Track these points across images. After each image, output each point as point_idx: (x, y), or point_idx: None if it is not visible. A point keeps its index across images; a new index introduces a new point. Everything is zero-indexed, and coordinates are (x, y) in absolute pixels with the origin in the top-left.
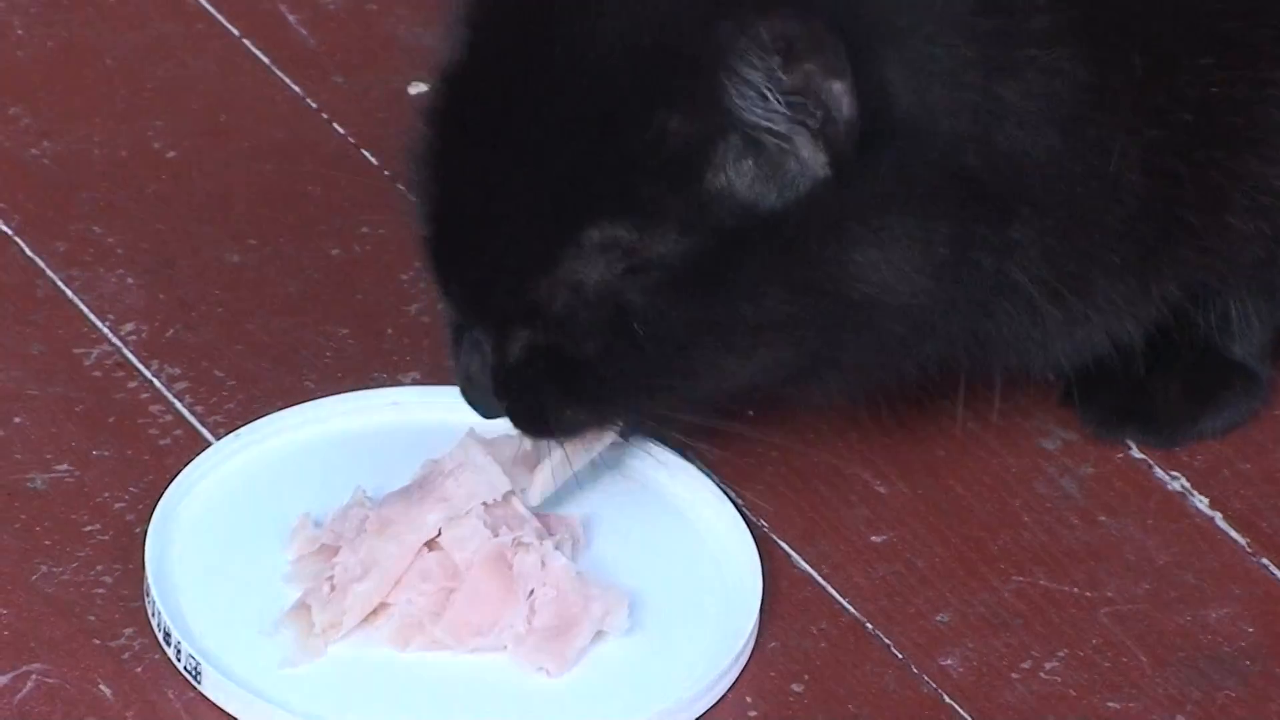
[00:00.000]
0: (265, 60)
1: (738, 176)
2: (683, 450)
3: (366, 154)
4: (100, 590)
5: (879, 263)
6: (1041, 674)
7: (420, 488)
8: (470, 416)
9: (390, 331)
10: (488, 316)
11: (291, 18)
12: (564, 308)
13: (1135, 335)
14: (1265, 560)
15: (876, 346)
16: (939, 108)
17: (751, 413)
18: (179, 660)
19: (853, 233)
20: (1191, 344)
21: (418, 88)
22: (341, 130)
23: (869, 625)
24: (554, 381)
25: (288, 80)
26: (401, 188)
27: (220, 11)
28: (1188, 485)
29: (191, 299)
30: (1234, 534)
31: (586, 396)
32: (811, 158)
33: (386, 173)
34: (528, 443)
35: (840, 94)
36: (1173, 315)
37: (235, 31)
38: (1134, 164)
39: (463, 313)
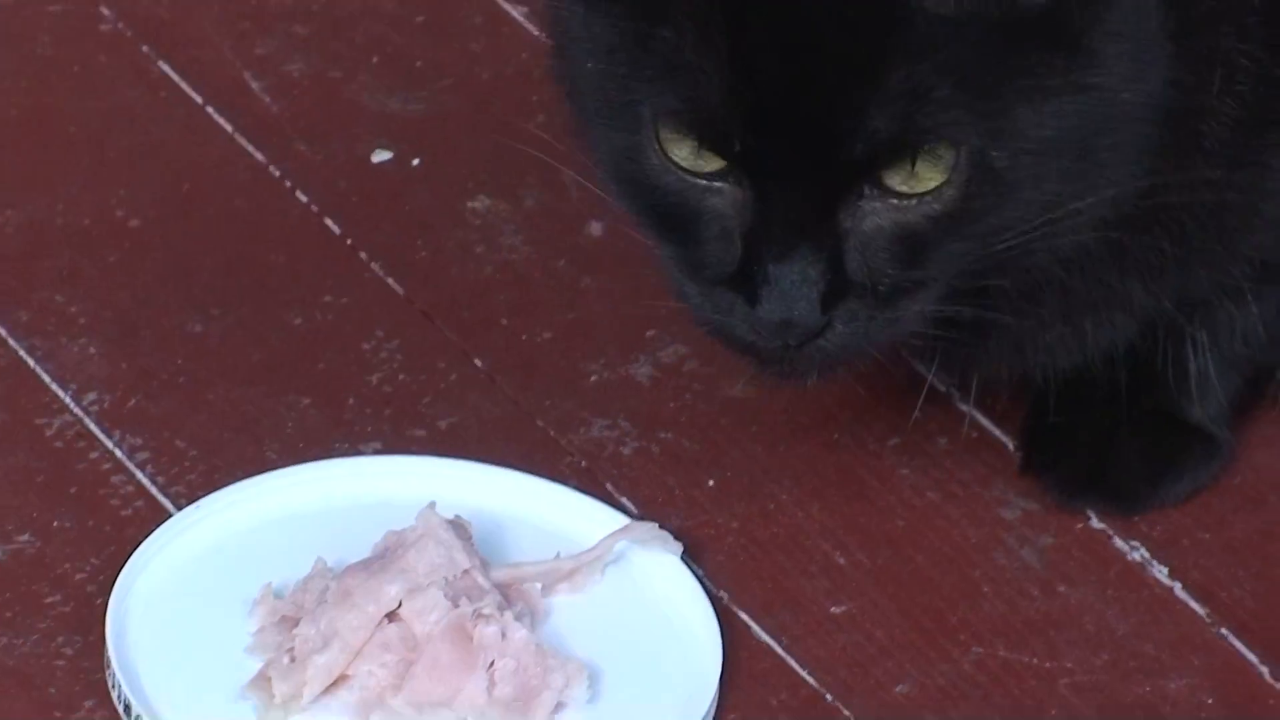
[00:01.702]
0: (228, 128)
1: None
2: (644, 520)
3: (329, 222)
4: (61, 662)
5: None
6: None
7: (381, 559)
8: (432, 489)
9: (352, 401)
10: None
11: (255, 85)
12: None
13: (1124, 341)
14: (1224, 630)
15: (1121, 167)
16: None
17: (712, 483)
18: None
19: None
20: (1151, 408)
21: (380, 156)
22: (304, 199)
23: (829, 696)
24: (900, 254)
25: (251, 148)
26: (364, 256)
27: (184, 79)
28: (1147, 555)
29: (154, 368)
30: (1193, 604)
31: (931, 267)
32: None
33: (349, 241)
34: None
35: None
36: (1131, 377)
37: (198, 99)
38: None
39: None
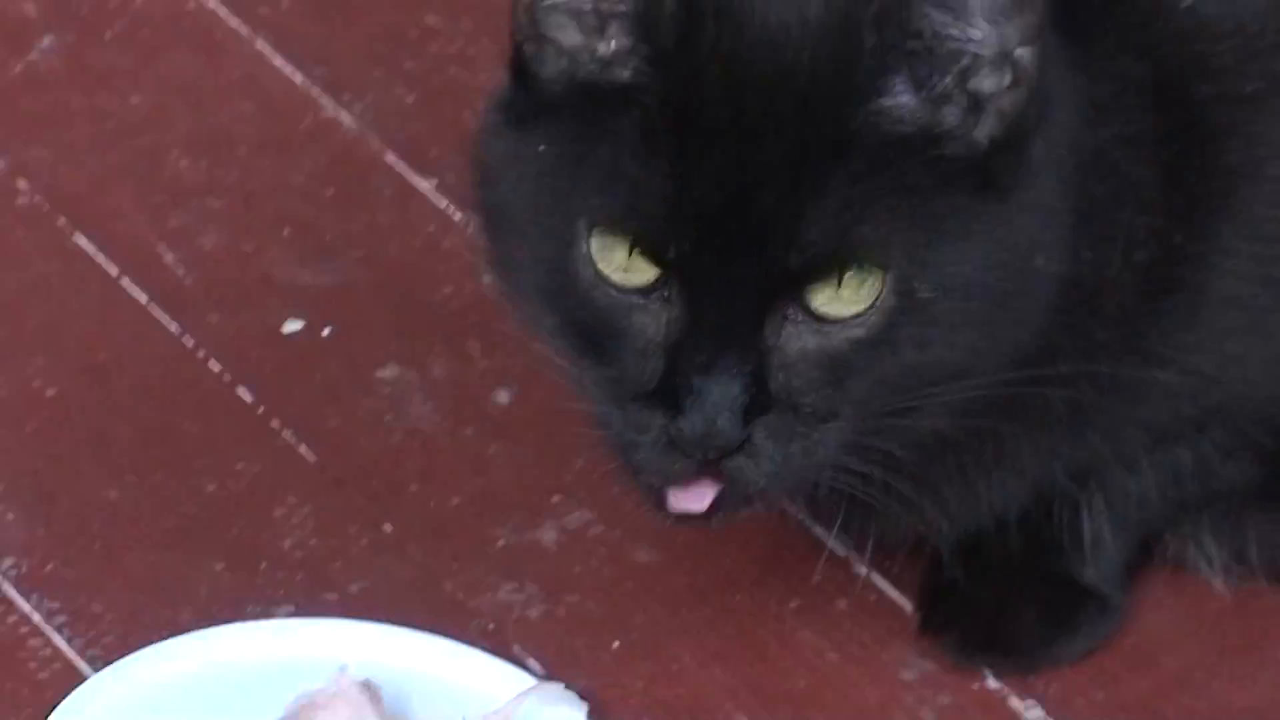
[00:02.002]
0: (143, 299)
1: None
2: (550, 681)
3: (242, 391)
4: None
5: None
6: None
7: None
8: (344, 651)
9: (265, 565)
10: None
11: (169, 257)
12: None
13: (1018, 506)
14: None
15: (1029, 327)
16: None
17: (617, 644)
18: None
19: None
20: (1045, 570)
21: (291, 326)
22: (217, 368)
23: None
24: (821, 376)
25: (165, 319)
26: (276, 424)
27: (100, 252)
28: (1043, 713)
29: (71, 534)
30: None
31: (851, 393)
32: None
33: (261, 410)
34: None
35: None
36: (1025, 538)
37: (114, 271)
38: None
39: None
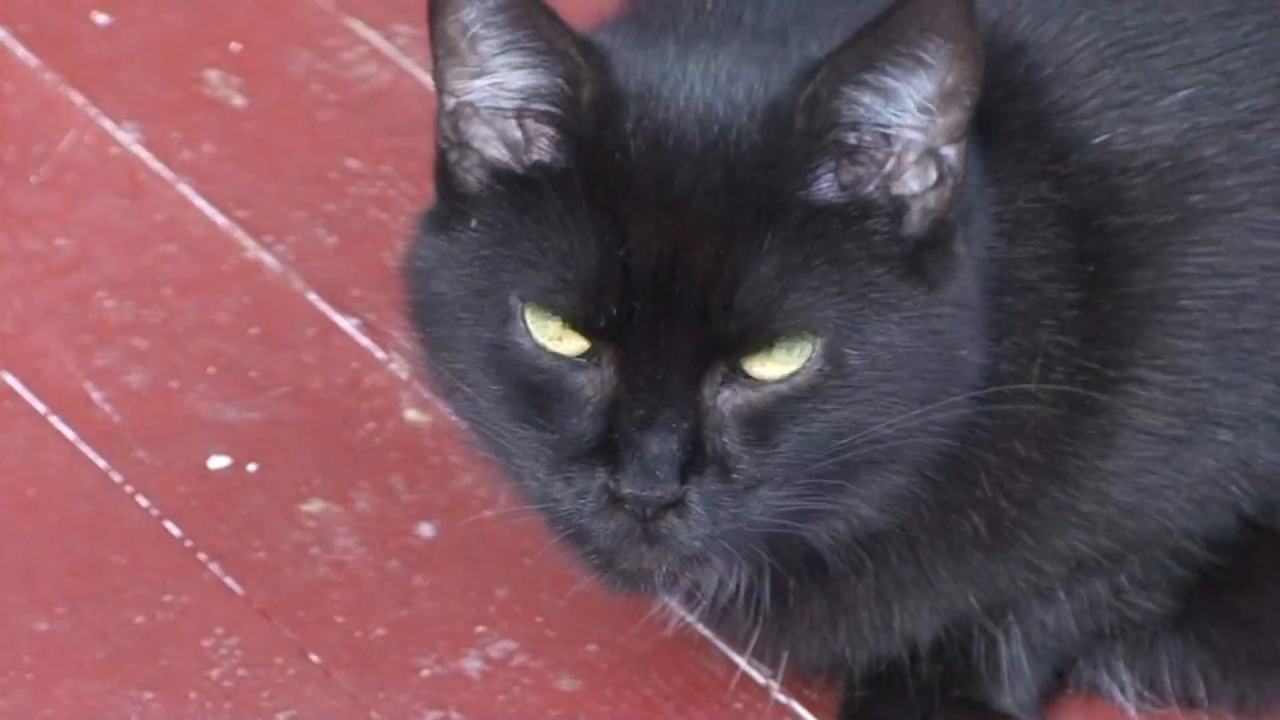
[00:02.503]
0: (70, 436)
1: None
2: None
3: (169, 525)
4: None
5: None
6: None
7: None
8: None
9: (193, 695)
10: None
11: (95, 395)
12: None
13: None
14: None
15: (940, 415)
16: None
17: None
18: None
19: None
20: (961, 697)
21: (218, 462)
22: (145, 503)
23: None
24: (753, 435)
25: (92, 455)
26: (203, 557)
27: (27, 390)
28: None
29: (2, 665)
30: None
31: (780, 453)
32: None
33: (188, 544)
34: None
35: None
36: (943, 665)
37: (42, 409)
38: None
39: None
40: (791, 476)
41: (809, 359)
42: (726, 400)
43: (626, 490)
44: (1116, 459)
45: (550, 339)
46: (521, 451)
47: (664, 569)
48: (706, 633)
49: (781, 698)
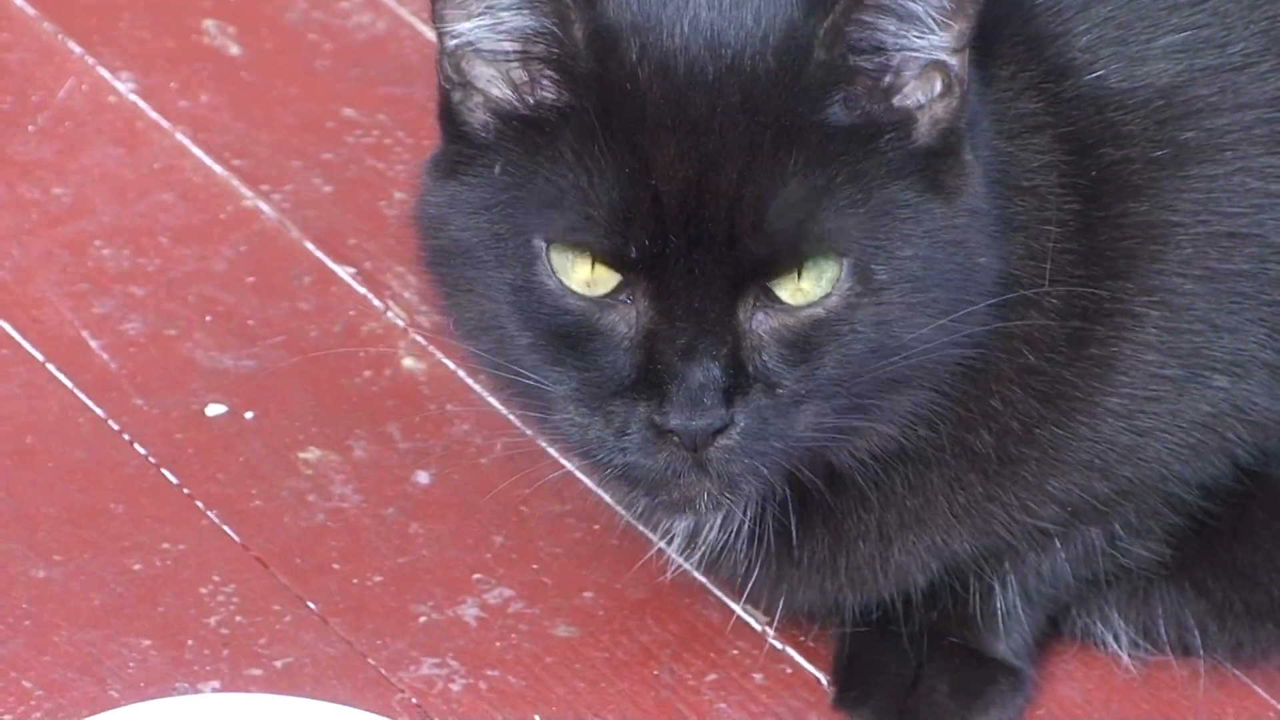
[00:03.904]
0: (69, 384)
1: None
2: None
3: (166, 473)
4: None
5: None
6: None
7: None
8: None
9: (191, 642)
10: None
11: (94, 343)
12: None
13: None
14: None
15: (963, 324)
16: None
17: (538, 717)
18: None
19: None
20: (956, 643)
21: (215, 409)
22: (142, 450)
23: None
24: (792, 356)
25: (90, 403)
26: (200, 505)
27: (25, 338)
28: None
29: (0, 613)
30: None
31: (820, 372)
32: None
33: (186, 491)
34: None
35: None
36: (937, 612)
37: (39, 357)
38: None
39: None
40: (833, 394)
41: (838, 280)
42: (762, 323)
43: (674, 422)
44: (1112, 396)
45: (578, 280)
46: (556, 393)
47: (710, 494)
48: (703, 580)
49: (777, 644)
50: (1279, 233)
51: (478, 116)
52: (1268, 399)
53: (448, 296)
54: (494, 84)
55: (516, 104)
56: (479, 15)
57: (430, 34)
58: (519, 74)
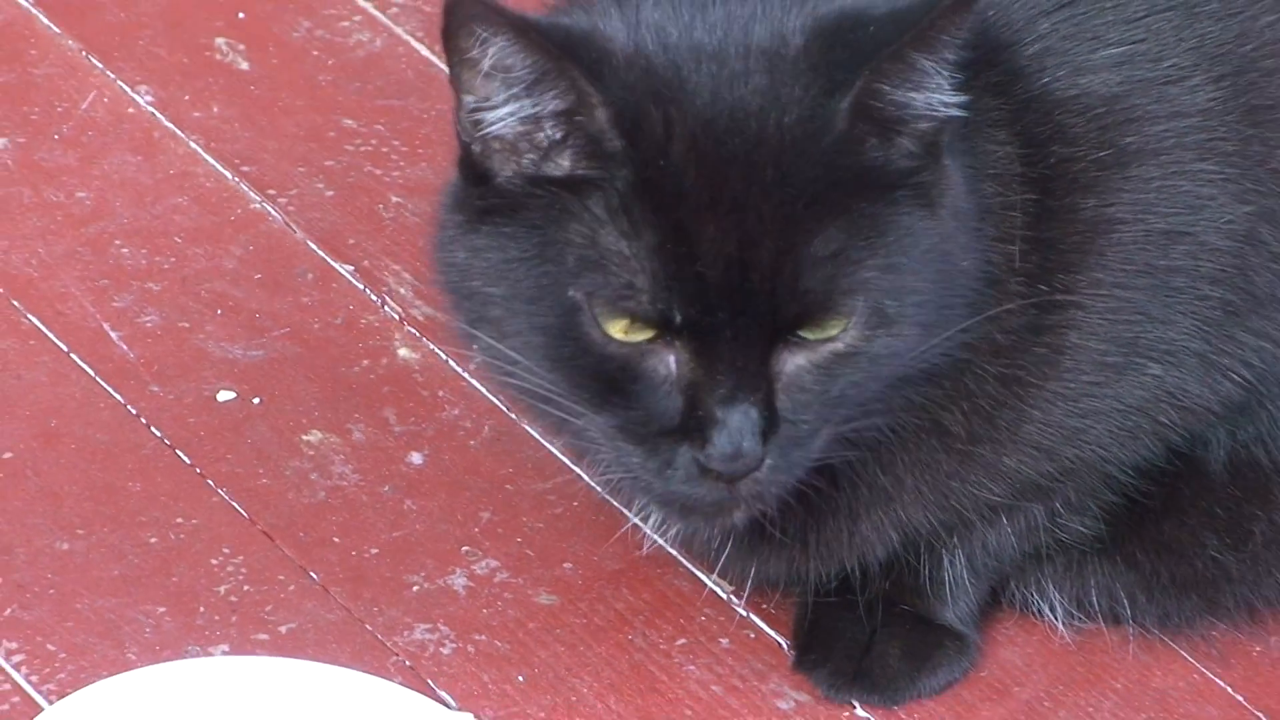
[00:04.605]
0: (90, 372)
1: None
2: (462, 712)
3: (179, 454)
4: None
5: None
6: None
7: None
8: (274, 686)
9: (202, 609)
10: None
11: (113, 335)
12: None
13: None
14: None
15: (955, 323)
16: None
17: (521, 678)
18: None
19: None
20: (907, 611)
21: (225, 396)
22: (158, 433)
23: None
24: (815, 390)
25: (110, 389)
26: (211, 483)
27: (50, 330)
28: None
29: (27, 582)
30: None
31: (838, 402)
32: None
33: (198, 470)
34: None
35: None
36: (890, 582)
37: (64, 347)
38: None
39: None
40: (847, 416)
41: (855, 315)
42: (790, 364)
43: (717, 464)
44: (1061, 381)
45: (618, 330)
46: (597, 428)
47: (741, 511)
48: (674, 552)
49: (742, 611)
50: (1209, 233)
51: (501, 170)
52: (1197, 386)
53: (472, 336)
54: (517, 152)
55: (543, 169)
56: (499, 92)
57: (424, 50)
58: (544, 144)
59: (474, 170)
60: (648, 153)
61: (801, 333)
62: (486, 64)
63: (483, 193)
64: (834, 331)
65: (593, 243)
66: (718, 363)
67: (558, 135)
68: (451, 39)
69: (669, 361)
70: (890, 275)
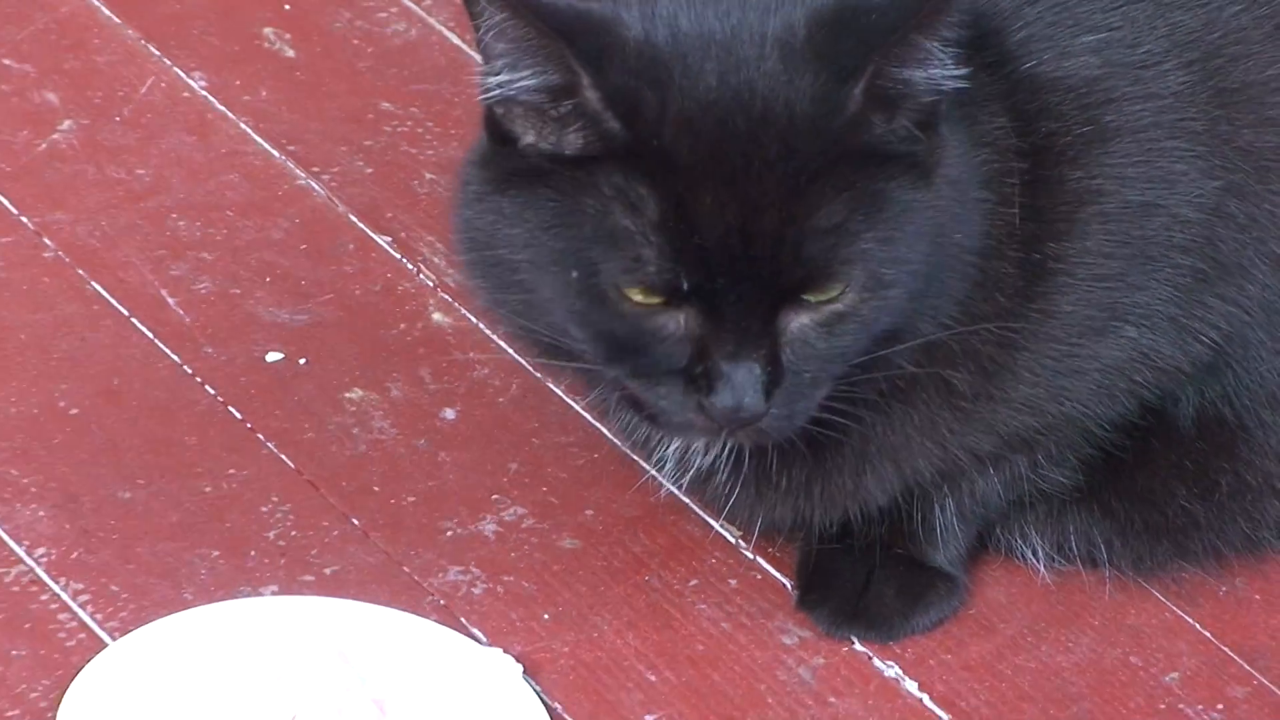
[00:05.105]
0: (149, 335)
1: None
2: (491, 647)
3: (232, 410)
4: None
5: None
6: None
7: (279, 680)
8: (319, 623)
9: (253, 553)
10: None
11: (170, 300)
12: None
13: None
14: None
15: (953, 293)
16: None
17: (546, 616)
18: None
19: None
20: (901, 554)
21: (273, 356)
22: (212, 391)
23: None
24: (817, 346)
25: (167, 351)
26: (261, 437)
27: (112, 296)
28: (900, 672)
29: (92, 528)
30: (938, 711)
31: (838, 357)
32: None
33: (248, 425)
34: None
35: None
36: (886, 528)
37: (125, 311)
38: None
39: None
40: (846, 371)
41: (852, 280)
42: (793, 323)
43: (719, 413)
44: (1050, 343)
45: (635, 295)
46: (611, 374)
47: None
48: (687, 500)
49: (749, 555)
50: (1182, 205)
51: (523, 136)
52: (1169, 348)
53: (493, 293)
54: (531, 128)
55: (559, 147)
56: (500, 59)
57: (455, 39)
58: (555, 122)
59: (497, 130)
60: (643, 133)
61: (804, 296)
62: (490, 33)
63: (508, 153)
64: (834, 294)
65: (603, 217)
66: (724, 323)
67: (565, 110)
68: (468, 5)
69: (679, 319)
70: (887, 246)
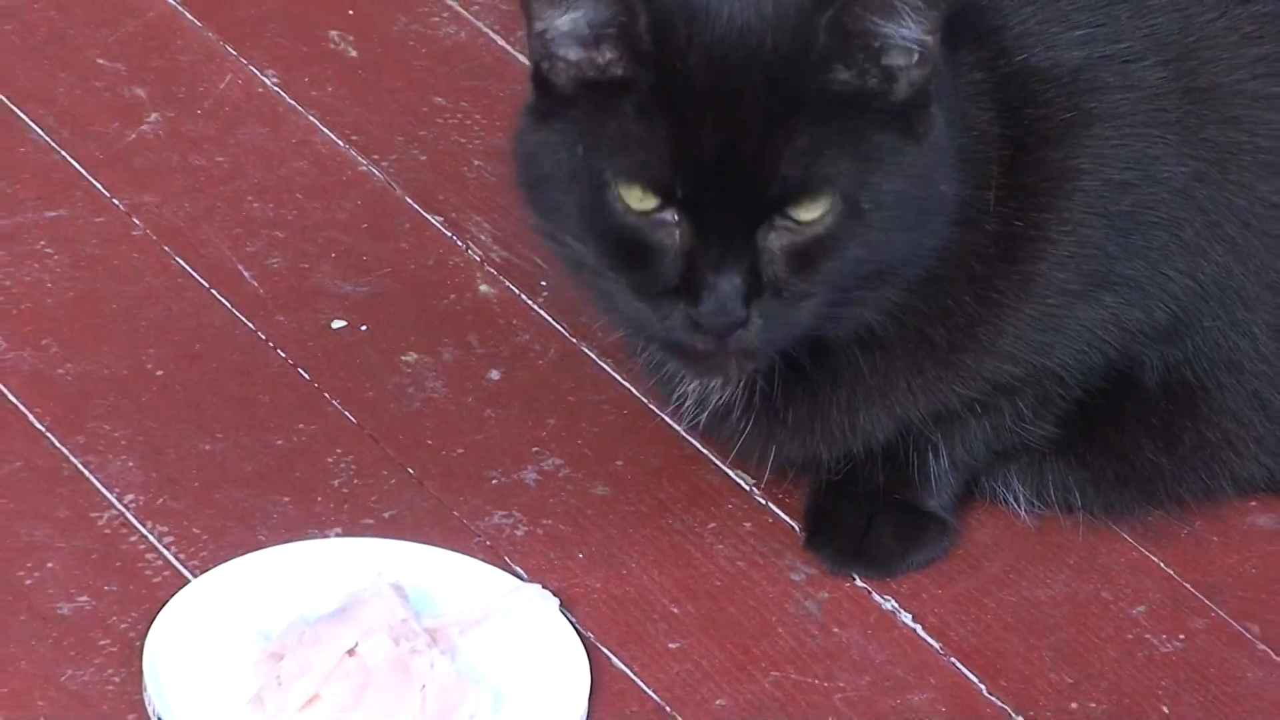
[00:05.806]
0: (227, 304)
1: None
2: (532, 583)
3: (301, 372)
4: (110, 688)
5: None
6: None
7: (343, 611)
8: (379, 562)
9: (320, 499)
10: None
11: (246, 274)
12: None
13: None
14: (954, 659)
15: (929, 240)
16: None
17: (581, 555)
18: None
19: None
20: (898, 499)
21: (338, 324)
22: (283, 355)
23: (668, 709)
24: (797, 265)
25: (243, 319)
26: (327, 395)
27: (194, 269)
28: (897, 605)
29: (175, 477)
30: (930, 640)
31: (818, 278)
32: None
33: (316, 385)
34: None
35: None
36: (885, 475)
37: (205, 284)
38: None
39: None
40: (827, 294)
41: (831, 203)
42: (774, 241)
43: (705, 320)
44: (1031, 303)
45: (637, 200)
46: (617, 288)
47: (731, 365)
48: (705, 451)
49: (761, 499)
50: (1154, 186)
51: (561, 80)
52: (1136, 313)
53: (538, 216)
54: (572, 58)
55: (591, 73)
56: (561, 7)
57: (500, 40)
58: (593, 51)
59: (542, 83)
60: (670, 58)
61: (786, 211)
62: None
63: (550, 97)
64: (814, 215)
65: (622, 131)
66: (711, 235)
67: (609, 33)
68: None
69: (674, 234)
70: (862, 174)
